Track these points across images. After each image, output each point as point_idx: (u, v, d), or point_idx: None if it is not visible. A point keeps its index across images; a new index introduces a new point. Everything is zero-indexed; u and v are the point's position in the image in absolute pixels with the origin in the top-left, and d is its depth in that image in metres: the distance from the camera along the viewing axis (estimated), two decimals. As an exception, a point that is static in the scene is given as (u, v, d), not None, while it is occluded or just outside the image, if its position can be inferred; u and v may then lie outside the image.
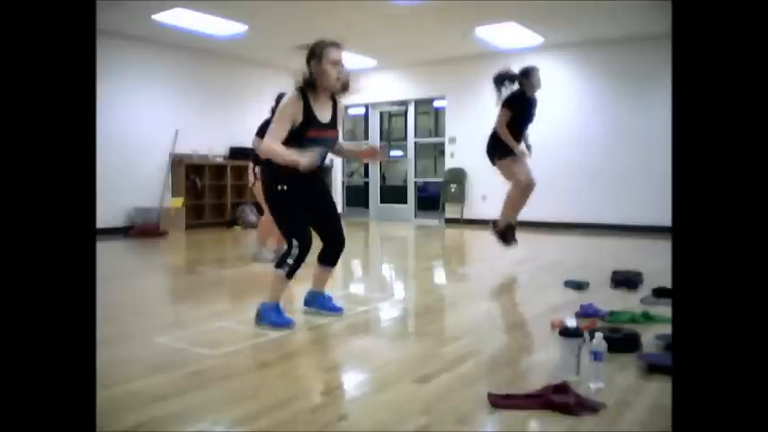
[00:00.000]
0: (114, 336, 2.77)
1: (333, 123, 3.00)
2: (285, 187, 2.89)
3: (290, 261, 2.89)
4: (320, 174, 3.13)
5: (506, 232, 5.03)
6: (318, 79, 2.90)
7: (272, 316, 2.93)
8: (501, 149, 5.02)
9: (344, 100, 3.16)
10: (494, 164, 5.12)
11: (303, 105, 2.86)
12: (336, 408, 1.96)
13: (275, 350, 2.60)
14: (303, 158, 2.72)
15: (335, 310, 3.23)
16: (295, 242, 2.89)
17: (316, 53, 2.91)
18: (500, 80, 5.09)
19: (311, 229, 2.99)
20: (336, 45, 2.97)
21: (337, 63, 2.94)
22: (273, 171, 2.91)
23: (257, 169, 4.96)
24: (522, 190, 4.96)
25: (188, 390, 2.08)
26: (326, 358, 2.58)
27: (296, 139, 2.84)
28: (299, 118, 2.85)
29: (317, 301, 3.25)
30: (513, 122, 5.02)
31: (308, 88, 2.90)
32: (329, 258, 3.18)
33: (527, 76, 5.05)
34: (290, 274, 2.91)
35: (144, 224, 7.74)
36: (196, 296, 3.96)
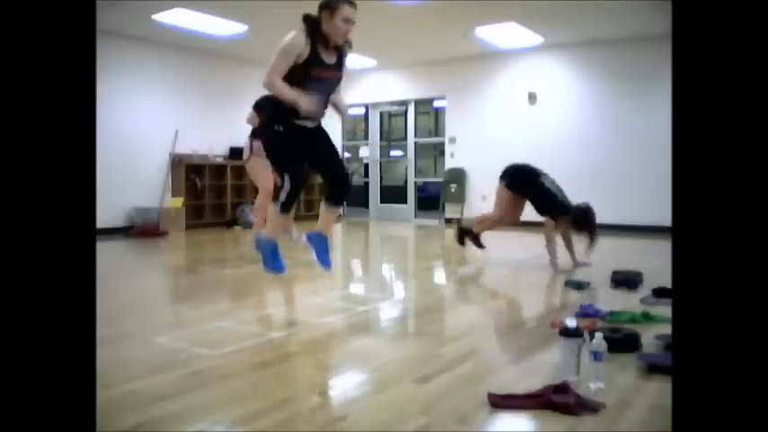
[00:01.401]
0: (114, 336, 2.76)
1: (338, 65, 3.01)
2: (281, 128, 2.93)
3: (282, 196, 2.95)
4: (319, 122, 3.13)
5: (468, 233, 5.38)
6: (326, 30, 2.88)
7: (268, 257, 3.03)
8: (513, 178, 5.05)
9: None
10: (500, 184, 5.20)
11: (309, 42, 2.85)
12: (336, 408, 1.96)
13: (275, 350, 2.60)
14: (302, 99, 2.73)
15: (324, 264, 3.25)
16: (287, 176, 2.94)
17: (330, 5, 2.89)
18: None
19: (304, 166, 3.02)
20: (351, 3, 2.93)
21: (349, 21, 2.91)
22: (271, 111, 2.96)
23: (255, 144, 4.94)
24: (492, 223, 5.25)
25: (188, 390, 2.08)
26: (326, 358, 2.58)
27: (299, 78, 2.83)
28: (306, 53, 2.84)
29: (315, 242, 3.26)
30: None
31: (315, 32, 2.89)
32: (334, 196, 3.21)
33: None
34: (283, 208, 2.97)
35: (144, 224, 7.74)
36: (196, 296, 3.96)
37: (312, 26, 2.86)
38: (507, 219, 5.15)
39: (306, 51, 2.84)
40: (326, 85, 2.96)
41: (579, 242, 4.77)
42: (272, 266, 3.04)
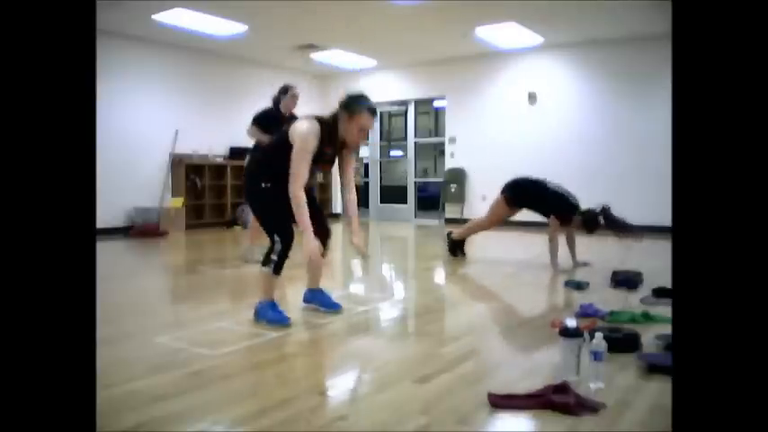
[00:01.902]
0: (114, 336, 2.77)
1: (332, 158, 3.05)
2: (269, 185, 2.94)
3: (274, 257, 2.93)
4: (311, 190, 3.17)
5: (458, 244, 5.40)
6: (341, 129, 2.92)
7: (268, 314, 2.97)
8: (513, 191, 5.09)
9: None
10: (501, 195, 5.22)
11: (318, 139, 2.86)
12: (336, 408, 1.96)
13: (275, 350, 2.60)
14: (313, 247, 2.78)
15: (334, 307, 3.26)
16: (277, 238, 2.92)
17: (350, 108, 2.91)
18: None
19: (293, 226, 2.99)
20: (372, 112, 2.96)
21: (365, 130, 2.94)
22: (258, 169, 3.00)
23: None
24: (482, 228, 5.30)
25: (188, 390, 2.08)
26: (327, 358, 2.58)
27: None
28: (315, 150, 2.87)
29: (317, 298, 3.29)
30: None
31: (328, 125, 2.90)
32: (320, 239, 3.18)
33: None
34: (276, 270, 2.95)
35: (144, 224, 7.74)
36: (196, 296, 3.96)
37: (325, 129, 2.89)
38: (493, 226, 5.27)
39: (315, 148, 2.87)
40: (316, 170, 3.05)
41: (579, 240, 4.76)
42: (278, 320, 2.96)
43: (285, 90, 5.24)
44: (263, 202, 2.99)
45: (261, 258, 3.01)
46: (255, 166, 3.07)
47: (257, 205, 3.06)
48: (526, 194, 4.97)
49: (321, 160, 2.94)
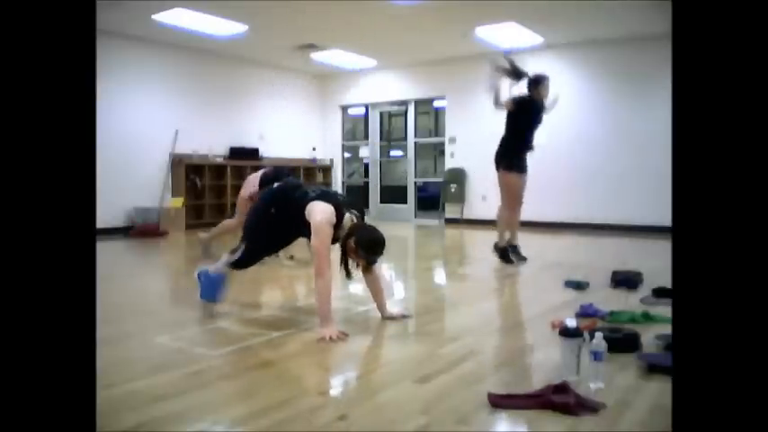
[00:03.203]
0: (114, 336, 2.76)
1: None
2: (274, 211, 3.04)
3: (234, 257, 3.09)
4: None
5: (507, 251, 5.09)
6: (342, 247, 2.97)
7: (208, 284, 3.14)
8: (510, 161, 5.02)
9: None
10: (498, 170, 5.12)
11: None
12: (336, 408, 1.96)
13: (275, 350, 2.60)
14: (332, 332, 2.75)
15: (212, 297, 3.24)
16: (243, 248, 3.07)
17: (356, 238, 2.91)
18: (515, 75, 5.00)
19: (263, 257, 3.20)
20: (376, 254, 2.98)
21: (362, 263, 2.97)
22: (271, 193, 3.13)
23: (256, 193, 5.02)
24: (510, 211, 5.11)
25: (188, 390, 2.08)
26: (326, 358, 2.58)
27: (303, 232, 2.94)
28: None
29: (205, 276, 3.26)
30: (521, 127, 4.98)
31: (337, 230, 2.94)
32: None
33: (537, 84, 5.01)
34: (235, 266, 3.12)
35: (144, 224, 7.74)
36: (196, 296, 3.95)
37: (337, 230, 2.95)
38: (520, 200, 5.10)
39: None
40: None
41: (577, 240, 4.75)
42: (208, 295, 3.11)
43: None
44: (261, 222, 3.09)
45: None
46: (270, 189, 3.21)
47: (254, 221, 3.14)
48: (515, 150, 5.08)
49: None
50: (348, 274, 2.95)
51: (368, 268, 3.02)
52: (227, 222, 5.41)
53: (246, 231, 3.16)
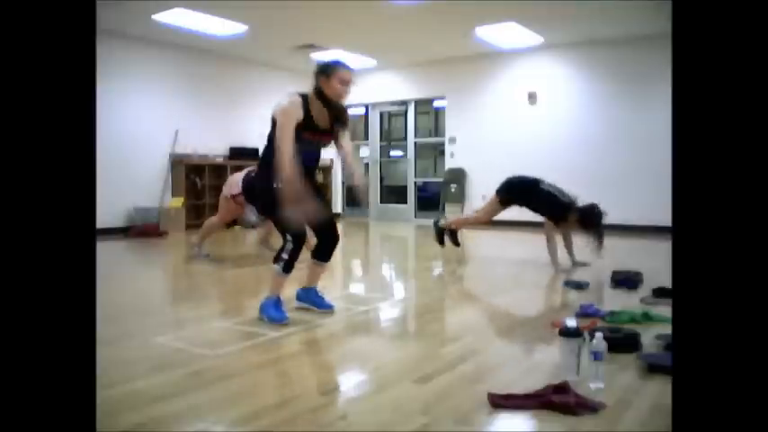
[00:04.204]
0: (114, 336, 2.76)
1: (329, 129, 3.08)
2: (281, 185, 2.93)
3: (284, 256, 2.96)
4: (314, 174, 3.20)
5: (445, 233, 5.43)
6: (326, 92, 2.96)
7: (270, 310, 3.01)
8: (507, 193, 5.12)
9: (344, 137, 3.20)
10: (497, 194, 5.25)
11: (303, 109, 2.93)
12: (336, 408, 1.96)
13: (275, 350, 2.60)
14: (288, 180, 2.78)
15: (327, 307, 3.25)
16: (289, 237, 2.96)
17: (326, 71, 2.96)
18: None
19: (304, 225, 3.04)
20: (348, 68, 3.01)
21: (346, 82, 2.98)
22: (270, 170, 2.96)
23: (239, 197, 5.09)
24: (474, 222, 5.42)
25: (188, 390, 2.08)
26: (326, 358, 2.58)
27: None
28: (300, 118, 2.92)
29: (310, 298, 3.29)
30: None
31: (313, 97, 2.97)
32: (323, 254, 3.24)
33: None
34: (286, 269, 2.98)
35: (144, 224, 7.74)
36: (196, 296, 3.96)
37: (308, 99, 2.97)
38: (483, 222, 5.36)
39: (300, 116, 2.93)
40: (317, 145, 3.08)
41: (582, 242, 4.77)
42: (276, 318, 2.99)
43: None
44: (275, 202, 2.97)
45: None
46: (264, 172, 3.06)
47: (270, 205, 3.03)
48: (519, 194, 5.00)
49: (316, 130, 2.98)
50: (329, 104, 2.98)
51: (340, 139, 3.10)
52: (211, 221, 5.49)
53: (278, 224, 3.07)
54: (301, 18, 7.03)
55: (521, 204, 5.00)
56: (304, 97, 2.97)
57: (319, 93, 2.97)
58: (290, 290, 3.31)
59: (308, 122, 2.95)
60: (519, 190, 5.00)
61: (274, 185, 2.92)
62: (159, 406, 1.93)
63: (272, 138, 2.98)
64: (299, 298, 3.32)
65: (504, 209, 5.13)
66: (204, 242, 5.49)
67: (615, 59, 8.08)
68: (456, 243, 5.53)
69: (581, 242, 4.69)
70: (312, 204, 2.94)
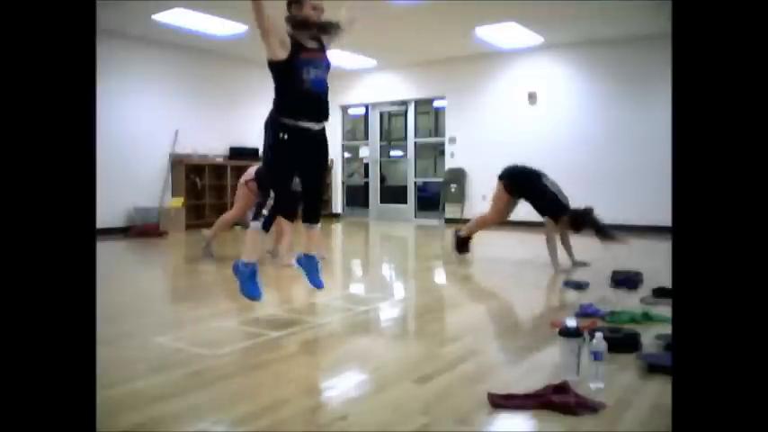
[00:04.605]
0: (114, 336, 2.76)
1: (321, 47, 3.07)
2: (286, 136, 2.93)
3: (265, 212, 2.92)
4: (323, 126, 3.13)
5: (465, 242, 5.34)
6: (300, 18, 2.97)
7: (246, 283, 2.95)
8: (511, 180, 5.12)
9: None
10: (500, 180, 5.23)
11: (288, 36, 2.92)
12: (336, 408, 1.96)
13: (275, 350, 2.60)
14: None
15: (317, 285, 3.23)
16: (272, 194, 2.93)
17: (295, 1, 2.97)
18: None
19: (291, 187, 3.06)
20: None
21: (317, 8, 2.98)
22: (278, 119, 2.96)
23: (252, 183, 5.05)
24: (486, 223, 5.27)
25: (188, 390, 2.08)
26: (326, 358, 2.58)
27: (289, 68, 2.89)
28: (287, 41, 2.90)
29: (305, 265, 3.26)
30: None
31: (292, 26, 2.97)
32: (311, 214, 3.23)
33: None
34: (265, 226, 2.94)
35: (144, 224, 7.74)
36: (196, 296, 3.95)
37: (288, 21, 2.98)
38: (500, 218, 5.23)
39: (286, 38, 2.91)
40: (317, 64, 3.00)
41: (576, 241, 4.77)
42: (249, 293, 2.97)
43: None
44: (275, 152, 2.98)
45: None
46: (272, 117, 3.03)
47: (269, 155, 3.03)
48: (524, 183, 5.00)
49: (305, 48, 2.96)
50: (308, 26, 2.98)
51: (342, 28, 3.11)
52: (225, 216, 5.44)
53: (269, 176, 3.08)
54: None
55: (524, 195, 5.01)
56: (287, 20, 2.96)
57: (295, 21, 2.96)
58: (288, 291, 3.31)
59: (298, 44, 2.92)
60: (524, 179, 5.00)
61: (281, 136, 2.92)
62: (159, 406, 1.93)
63: (278, 86, 2.98)
64: (298, 260, 3.29)
65: (512, 200, 5.11)
66: (213, 241, 5.47)
67: (615, 59, 8.08)
68: (466, 250, 5.47)
69: (583, 243, 4.69)
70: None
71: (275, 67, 2.94)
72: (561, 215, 4.73)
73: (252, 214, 3.07)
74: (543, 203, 4.85)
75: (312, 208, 3.23)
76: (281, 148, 2.94)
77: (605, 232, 4.63)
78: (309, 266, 3.25)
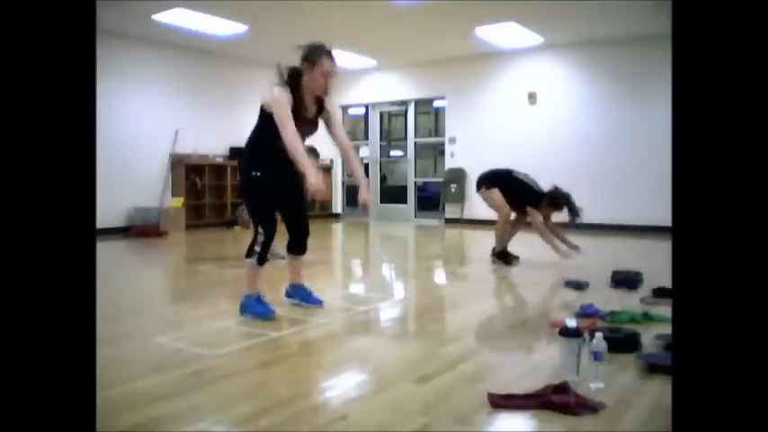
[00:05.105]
0: (114, 336, 2.76)
1: (315, 119, 3.13)
2: (259, 174, 3.01)
3: (257, 248, 3.03)
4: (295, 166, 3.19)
5: (505, 254, 5.23)
6: (306, 81, 2.99)
7: (254, 308, 3.08)
8: (490, 181, 5.20)
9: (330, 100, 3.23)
10: (479, 192, 5.31)
11: (293, 100, 2.95)
12: (336, 408, 1.96)
13: (275, 350, 2.60)
14: (316, 178, 2.81)
15: (315, 301, 3.31)
16: (261, 229, 3.03)
17: (310, 58, 2.97)
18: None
19: (277, 218, 3.13)
20: (331, 55, 3.02)
21: (328, 74, 3.00)
22: (251, 156, 3.07)
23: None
24: (504, 221, 5.20)
25: (188, 390, 2.08)
26: (326, 358, 2.58)
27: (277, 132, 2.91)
28: (292, 105, 2.94)
29: (298, 294, 3.34)
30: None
31: (295, 85, 2.98)
32: (295, 247, 3.30)
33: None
34: (260, 261, 3.06)
35: (144, 224, 7.74)
36: (196, 296, 3.95)
37: (293, 81, 2.98)
38: (506, 209, 5.18)
39: (291, 104, 2.95)
40: (306, 134, 3.11)
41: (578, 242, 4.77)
42: (263, 313, 3.06)
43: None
44: (252, 190, 3.08)
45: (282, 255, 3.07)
46: (245, 158, 3.15)
47: (246, 193, 3.16)
48: (496, 180, 5.15)
49: (303, 121, 2.99)
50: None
51: (324, 111, 3.12)
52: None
53: (253, 214, 3.16)
54: (301, 18, 7.03)
55: (504, 193, 5.11)
56: (290, 87, 2.96)
57: (297, 77, 2.97)
58: (279, 292, 3.31)
59: (296, 112, 2.94)
60: (494, 179, 5.17)
61: (253, 174, 3.01)
62: (159, 406, 1.93)
63: (258, 128, 3.04)
64: (287, 295, 3.39)
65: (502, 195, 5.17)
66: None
67: (615, 59, 8.08)
68: (514, 257, 5.27)
69: (584, 242, 4.70)
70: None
71: (269, 116, 2.96)
72: (540, 201, 4.95)
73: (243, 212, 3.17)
74: (520, 194, 5.05)
75: (298, 240, 3.28)
76: (257, 184, 3.04)
77: (577, 214, 4.89)
78: (300, 293, 3.34)
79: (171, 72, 8.47)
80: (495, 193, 5.13)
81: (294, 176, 3.12)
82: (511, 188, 5.08)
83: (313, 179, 2.81)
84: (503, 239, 5.21)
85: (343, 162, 10.95)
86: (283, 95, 2.91)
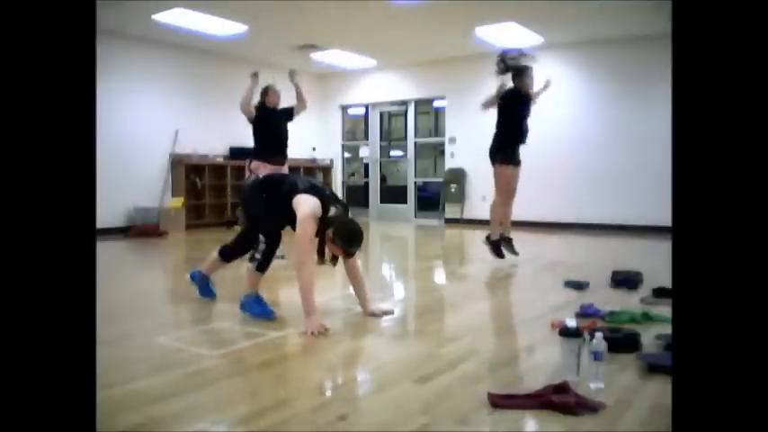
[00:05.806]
0: (114, 336, 2.76)
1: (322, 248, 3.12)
2: (265, 195, 3.19)
3: (258, 256, 3.14)
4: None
5: (499, 244, 5.15)
6: (320, 235, 2.99)
7: (254, 307, 3.14)
8: (504, 154, 5.08)
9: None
10: (493, 164, 5.16)
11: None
12: (336, 408, 1.96)
13: (275, 350, 2.60)
14: (315, 326, 2.81)
15: (268, 314, 3.13)
16: (262, 238, 3.12)
17: (335, 228, 2.91)
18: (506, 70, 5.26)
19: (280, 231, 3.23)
20: (352, 245, 2.95)
21: (339, 253, 3.03)
22: (259, 180, 3.31)
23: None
24: (503, 204, 5.14)
25: (188, 390, 2.08)
26: (326, 358, 2.58)
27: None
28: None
29: (252, 308, 3.18)
30: (511, 120, 5.15)
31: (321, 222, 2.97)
32: (264, 265, 3.20)
33: (520, 75, 5.21)
34: (260, 268, 3.15)
35: (144, 224, 7.74)
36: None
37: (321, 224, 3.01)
38: (510, 196, 5.16)
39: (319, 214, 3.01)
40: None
41: (576, 241, 4.75)
42: (262, 313, 3.12)
43: (265, 91, 5.67)
44: (259, 208, 3.19)
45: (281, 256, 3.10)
46: (257, 178, 3.36)
47: (252, 207, 3.27)
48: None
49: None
50: (321, 260, 3.00)
51: (348, 260, 3.13)
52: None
53: (257, 225, 3.22)
54: (301, 18, 7.03)
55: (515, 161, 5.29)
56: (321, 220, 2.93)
57: (324, 234, 2.96)
58: (288, 291, 3.30)
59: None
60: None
61: (263, 195, 3.17)
62: (159, 406, 1.93)
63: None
64: (243, 307, 3.22)
65: (513, 171, 5.21)
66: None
67: (615, 59, 8.08)
68: (513, 251, 5.21)
69: (583, 243, 4.69)
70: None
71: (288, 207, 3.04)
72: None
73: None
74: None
75: (268, 258, 3.20)
76: (262, 204, 3.17)
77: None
78: (258, 306, 3.22)
79: (171, 72, 8.47)
80: (507, 172, 5.09)
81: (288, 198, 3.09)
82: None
83: (311, 323, 2.82)
84: (497, 225, 5.15)
85: (342, 163, 10.96)
86: (312, 219, 2.89)
